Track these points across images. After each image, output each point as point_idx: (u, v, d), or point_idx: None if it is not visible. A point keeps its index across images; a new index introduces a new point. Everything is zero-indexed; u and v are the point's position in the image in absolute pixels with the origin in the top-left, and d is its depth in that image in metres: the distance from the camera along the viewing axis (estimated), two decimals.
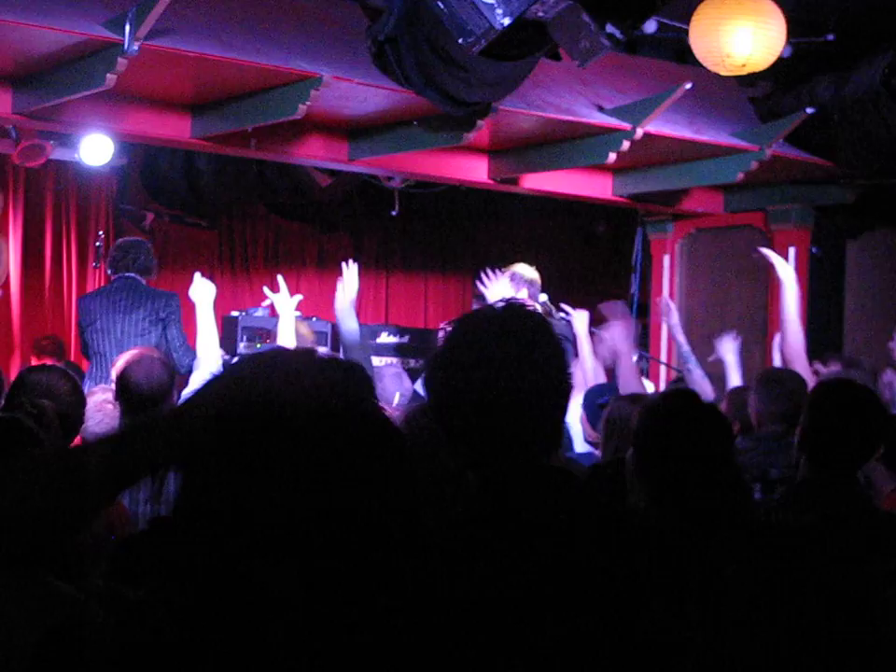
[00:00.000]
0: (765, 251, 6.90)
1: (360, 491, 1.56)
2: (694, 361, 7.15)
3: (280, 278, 7.32)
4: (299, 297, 7.17)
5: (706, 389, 6.74)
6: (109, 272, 8.18)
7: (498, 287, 7.81)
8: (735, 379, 7.31)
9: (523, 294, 8.34)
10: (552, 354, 2.42)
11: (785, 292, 6.76)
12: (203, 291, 6.83)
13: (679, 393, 3.94)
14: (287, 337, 6.88)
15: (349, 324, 6.15)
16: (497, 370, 2.35)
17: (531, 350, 2.39)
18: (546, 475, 2.36)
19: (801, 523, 3.59)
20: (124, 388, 5.25)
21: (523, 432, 2.38)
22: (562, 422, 2.49)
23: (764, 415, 5.47)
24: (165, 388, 5.29)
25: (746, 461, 5.00)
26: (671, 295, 10.87)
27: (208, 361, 6.41)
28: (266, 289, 7.54)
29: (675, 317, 7.64)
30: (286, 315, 6.94)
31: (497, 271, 7.79)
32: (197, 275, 6.97)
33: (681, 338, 7.42)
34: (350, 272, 6.43)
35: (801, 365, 6.36)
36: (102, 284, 10.52)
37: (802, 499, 3.86)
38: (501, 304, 2.48)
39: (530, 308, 2.48)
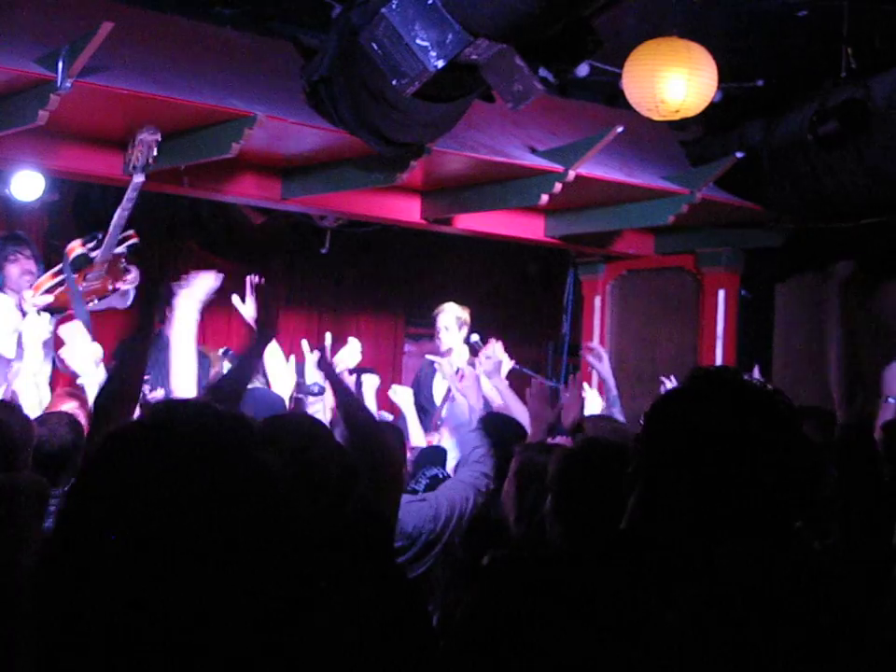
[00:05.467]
0: None
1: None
2: (619, 407, 7.18)
3: None
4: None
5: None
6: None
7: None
8: None
9: (463, 333, 8.45)
10: (786, 451, 2.41)
11: None
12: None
13: (591, 441, 4.04)
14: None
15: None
16: (732, 448, 2.36)
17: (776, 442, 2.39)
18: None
19: None
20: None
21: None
22: (754, 515, 2.45)
23: None
24: (69, 448, 5.29)
25: None
26: (601, 335, 10.93)
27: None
28: None
29: (606, 364, 7.66)
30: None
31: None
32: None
33: (611, 382, 7.45)
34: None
35: None
36: None
37: None
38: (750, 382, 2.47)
39: (785, 403, 2.46)
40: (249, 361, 4.14)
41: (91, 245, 7.70)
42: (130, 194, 7.39)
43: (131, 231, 7.79)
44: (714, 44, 7.25)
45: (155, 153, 7.27)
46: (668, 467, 2.40)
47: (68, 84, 6.44)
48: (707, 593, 2.28)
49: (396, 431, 5.84)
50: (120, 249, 7.73)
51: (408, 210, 9.44)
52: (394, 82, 5.52)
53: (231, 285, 12.01)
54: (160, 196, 9.31)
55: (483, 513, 5.22)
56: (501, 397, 7.07)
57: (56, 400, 6.72)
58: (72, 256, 7.66)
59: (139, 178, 7.30)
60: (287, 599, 1.63)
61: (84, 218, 10.49)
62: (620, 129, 8.02)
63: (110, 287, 7.78)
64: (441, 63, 5.37)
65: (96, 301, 7.69)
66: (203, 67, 7.41)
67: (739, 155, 8.75)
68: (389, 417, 7.80)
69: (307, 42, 7.13)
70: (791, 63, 8.53)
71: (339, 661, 2.70)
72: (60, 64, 6.40)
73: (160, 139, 7.23)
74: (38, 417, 5.61)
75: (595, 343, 8.67)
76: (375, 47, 5.47)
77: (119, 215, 7.49)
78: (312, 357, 6.82)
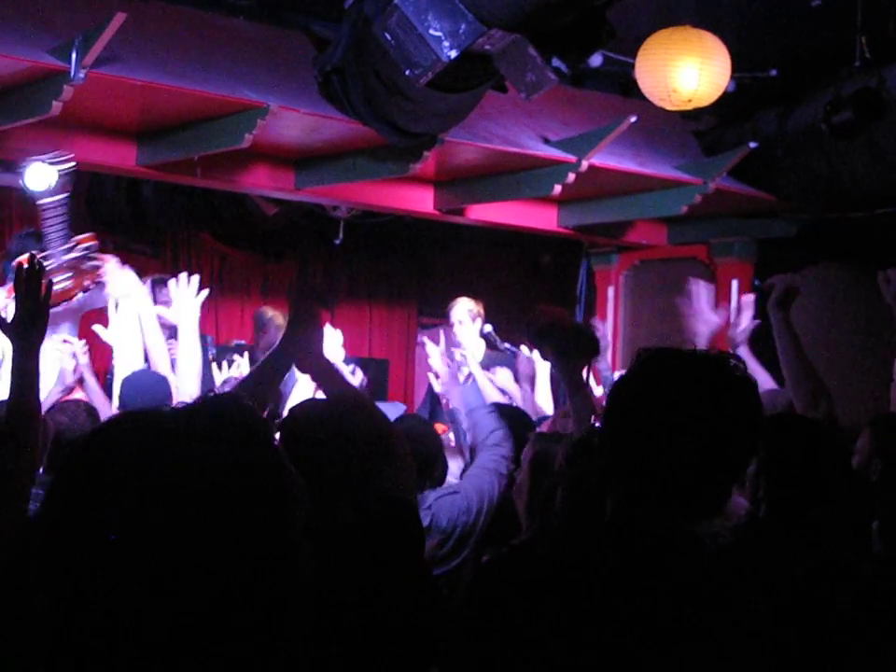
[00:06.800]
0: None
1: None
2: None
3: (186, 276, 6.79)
4: (204, 293, 6.74)
5: None
6: None
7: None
8: None
9: (477, 325, 8.48)
10: (744, 420, 2.42)
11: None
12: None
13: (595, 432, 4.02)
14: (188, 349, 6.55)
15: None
16: (689, 422, 2.36)
17: (729, 414, 2.39)
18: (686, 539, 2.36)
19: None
20: (46, 435, 5.19)
21: (686, 487, 2.37)
22: (726, 490, 2.46)
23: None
24: None
25: None
26: (615, 325, 10.92)
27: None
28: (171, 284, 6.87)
29: (603, 343, 7.77)
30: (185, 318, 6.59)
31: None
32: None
33: (603, 364, 7.55)
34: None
35: None
36: None
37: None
38: (709, 356, 2.46)
39: (736, 369, 2.45)
40: (278, 358, 4.07)
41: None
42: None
43: (87, 235, 7.63)
44: (727, 33, 7.24)
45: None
46: (634, 452, 2.41)
47: (81, 75, 6.45)
48: (698, 582, 2.28)
49: (418, 420, 5.80)
50: (76, 255, 7.52)
51: (421, 200, 9.44)
52: (407, 72, 5.52)
53: (246, 275, 12.09)
54: (173, 187, 9.33)
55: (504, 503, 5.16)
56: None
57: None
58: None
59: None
60: (295, 591, 1.62)
61: (97, 209, 10.52)
62: (633, 119, 8.00)
63: (86, 284, 7.53)
64: (454, 54, 5.36)
65: (72, 302, 7.46)
66: (216, 58, 7.40)
67: (753, 145, 8.73)
68: (403, 407, 7.79)
69: (320, 32, 7.13)
70: (804, 53, 8.51)
71: (354, 655, 2.70)
72: (73, 55, 6.41)
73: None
74: (57, 405, 5.63)
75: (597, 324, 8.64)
76: (388, 37, 5.47)
77: (50, 228, 7.46)
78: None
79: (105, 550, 1.51)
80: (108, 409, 6.26)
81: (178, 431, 1.59)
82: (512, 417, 5.93)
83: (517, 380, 7.65)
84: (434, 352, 6.96)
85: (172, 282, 6.74)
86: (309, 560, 1.63)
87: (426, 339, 7.31)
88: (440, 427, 7.44)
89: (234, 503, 1.54)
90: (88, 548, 1.52)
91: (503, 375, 7.72)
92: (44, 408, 5.19)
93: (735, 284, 10.25)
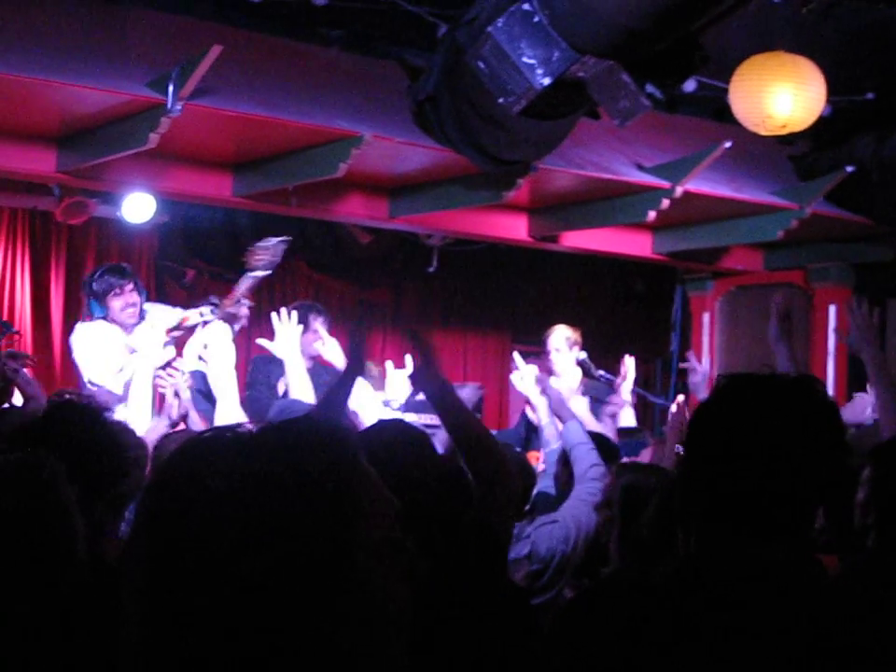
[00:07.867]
0: None
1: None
2: None
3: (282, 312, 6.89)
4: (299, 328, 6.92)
5: None
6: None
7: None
8: None
9: (574, 353, 8.44)
10: (826, 442, 2.36)
11: None
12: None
13: None
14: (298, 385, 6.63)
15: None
16: (775, 448, 2.30)
17: (814, 438, 2.34)
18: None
19: None
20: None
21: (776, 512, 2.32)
22: (812, 514, 2.39)
23: None
24: None
25: None
26: (710, 352, 10.84)
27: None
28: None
29: (698, 377, 7.66)
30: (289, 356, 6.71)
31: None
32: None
33: (702, 395, 7.45)
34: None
35: None
36: None
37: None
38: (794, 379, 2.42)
39: (816, 391, 2.41)
40: (338, 393, 4.17)
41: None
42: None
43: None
44: (823, 57, 7.17)
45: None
46: (715, 480, 2.36)
47: (178, 107, 6.53)
48: (796, 620, 2.24)
49: (510, 449, 5.77)
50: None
51: (515, 228, 9.44)
52: (500, 100, 5.52)
53: (341, 303, 12.15)
54: (268, 216, 9.40)
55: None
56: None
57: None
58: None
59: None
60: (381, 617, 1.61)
61: (193, 239, 10.64)
62: (728, 144, 7.96)
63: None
64: (547, 81, 5.35)
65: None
66: (310, 88, 7.47)
67: (849, 169, 8.65)
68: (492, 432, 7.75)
69: (413, 62, 7.16)
70: None
71: None
72: (170, 88, 6.49)
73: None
74: (168, 435, 5.62)
75: (692, 359, 8.55)
76: (481, 65, 5.47)
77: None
78: (396, 374, 6.85)
79: (175, 565, 1.52)
80: None
81: (252, 448, 1.59)
82: (599, 444, 5.91)
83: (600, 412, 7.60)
84: (526, 372, 6.91)
85: (273, 315, 6.81)
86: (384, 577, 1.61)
87: (516, 354, 7.27)
88: (533, 456, 7.42)
89: (291, 519, 1.54)
90: (161, 560, 1.53)
91: (577, 403, 7.66)
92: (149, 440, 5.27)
93: (832, 309, 10.15)
